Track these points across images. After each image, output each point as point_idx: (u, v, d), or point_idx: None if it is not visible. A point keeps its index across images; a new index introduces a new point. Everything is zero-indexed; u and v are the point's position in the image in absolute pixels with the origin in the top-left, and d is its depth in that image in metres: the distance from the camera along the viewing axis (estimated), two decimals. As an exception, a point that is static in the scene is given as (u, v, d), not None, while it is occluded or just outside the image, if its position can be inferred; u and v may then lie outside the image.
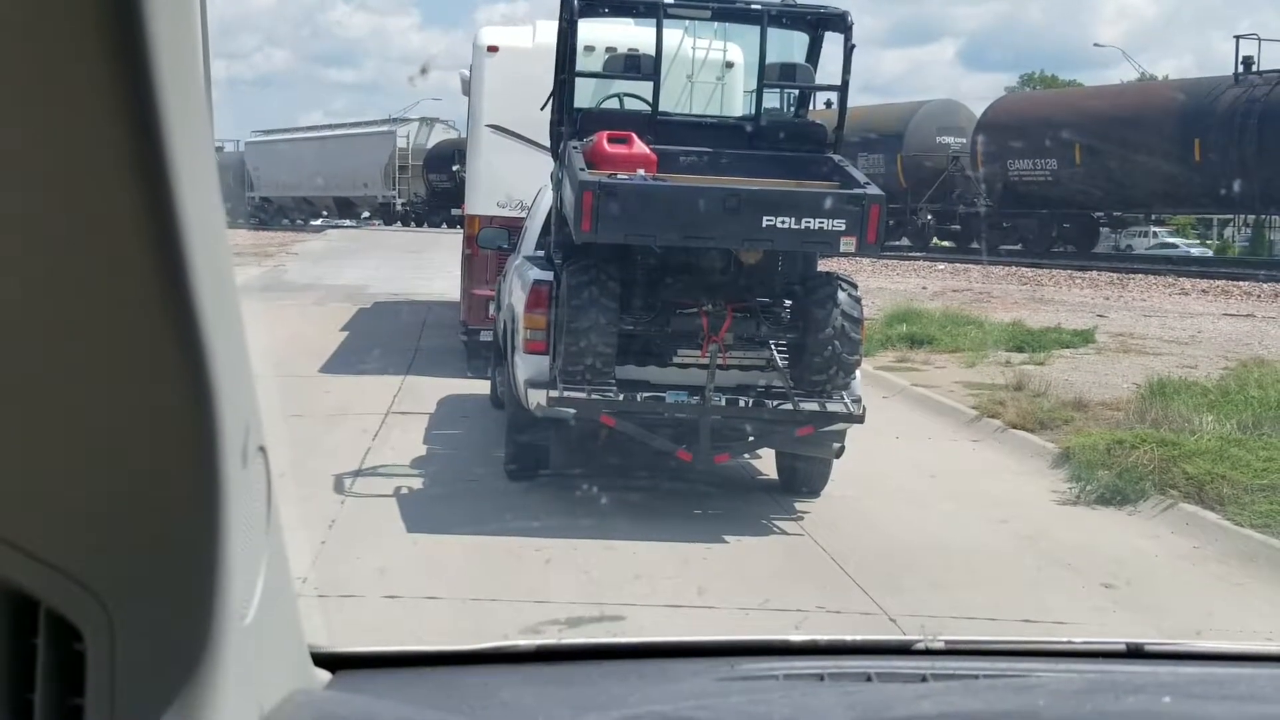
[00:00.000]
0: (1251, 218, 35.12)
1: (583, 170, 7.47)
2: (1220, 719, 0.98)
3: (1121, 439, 9.64)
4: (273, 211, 57.29)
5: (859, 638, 1.77)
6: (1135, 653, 1.63)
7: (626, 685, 1.58)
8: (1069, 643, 1.67)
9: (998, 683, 1.53)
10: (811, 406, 7.74)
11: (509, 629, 5.54)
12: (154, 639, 1.02)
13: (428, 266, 24.77)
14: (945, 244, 37.05)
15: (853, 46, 8.12)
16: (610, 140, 7.80)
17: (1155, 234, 46.55)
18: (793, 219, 7.28)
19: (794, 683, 1.61)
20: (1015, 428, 11.10)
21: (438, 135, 49.57)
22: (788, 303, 8.07)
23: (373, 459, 9.20)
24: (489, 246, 11.65)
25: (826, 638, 1.69)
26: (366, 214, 54.65)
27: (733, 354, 7.97)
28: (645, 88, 8.48)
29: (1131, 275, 24.96)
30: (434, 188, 47.45)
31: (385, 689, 1.55)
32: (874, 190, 7.55)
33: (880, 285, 24.85)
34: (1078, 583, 7.12)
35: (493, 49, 13.30)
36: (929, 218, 35.46)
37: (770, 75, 8.48)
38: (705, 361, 7.73)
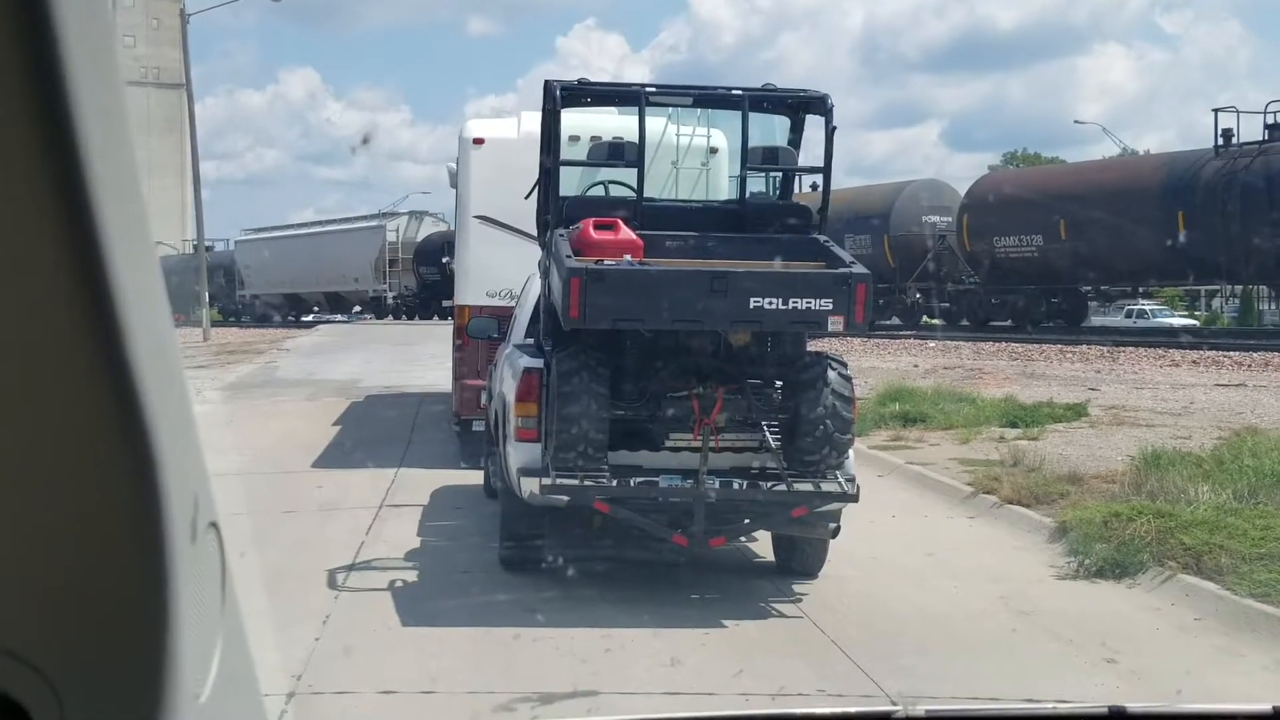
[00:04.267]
0: (1239, 288, 35.26)
1: (569, 257, 7.50)
2: None
3: (1118, 511, 9.60)
4: (264, 309, 57.41)
5: (837, 710, 1.73)
6: (1118, 716, 1.60)
7: None
8: (1053, 707, 1.64)
9: None
10: (805, 487, 7.71)
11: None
12: (104, 718, 1.00)
13: (419, 359, 24.79)
14: (935, 321, 37.18)
15: (834, 128, 8.20)
16: (596, 227, 7.85)
17: (1147, 311, 46.71)
18: (780, 299, 7.30)
19: None
20: (1011, 503, 11.06)
21: (427, 228, 49.86)
22: (779, 384, 8.07)
23: (366, 553, 9.13)
24: (479, 336, 11.67)
25: (803, 710, 1.66)
26: (358, 308, 54.78)
27: (725, 436, 7.95)
28: (630, 174, 8.54)
29: (1121, 349, 25.04)
30: (424, 280, 47.63)
31: None
32: (860, 269, 7.58)
33: (872, 364, 24.89)
34: (1081, 659, 7.05)
35: (479, 141, 13.43)
36: (918, 296, 35.62)
37: (753, 159, 8.55)
38: (698, 445, 7.72)
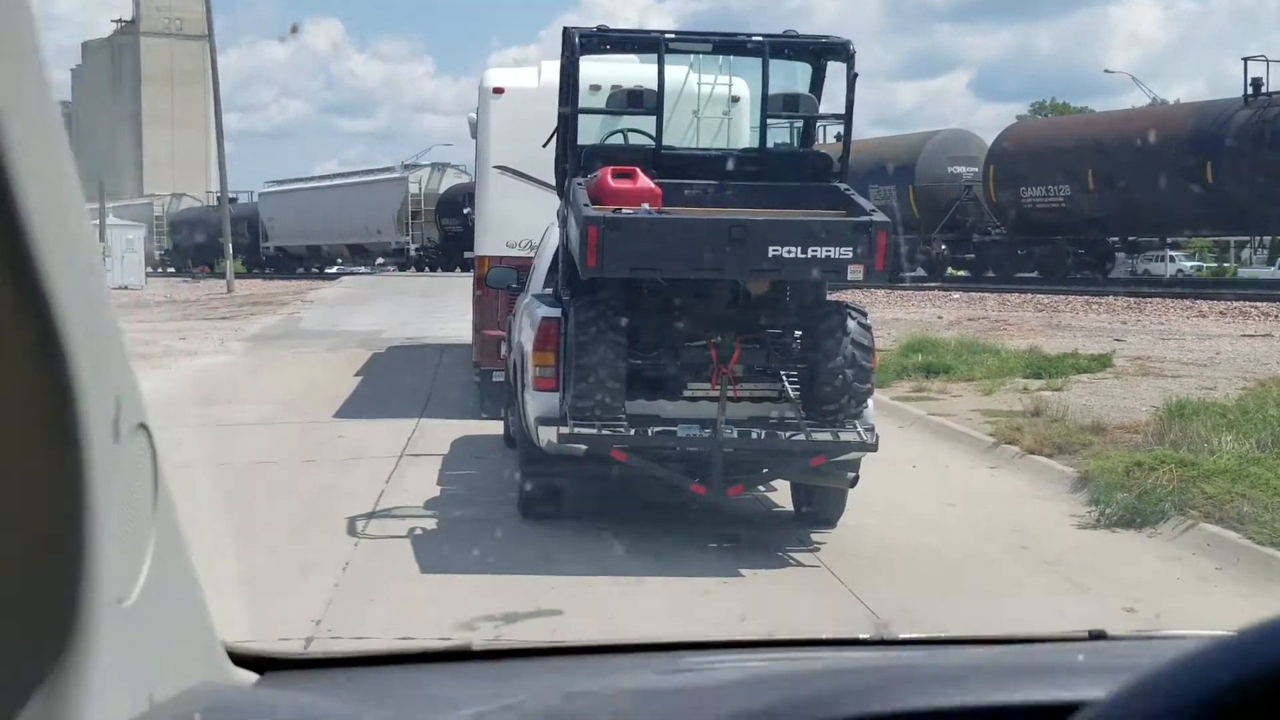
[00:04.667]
0: (1268, 238, 34.96)
1: (586, 205, 7.46)
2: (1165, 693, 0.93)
3: (1140, 461, 9.55)
4: (287, 261, 57.52)
5: (813, 635, 1.72)
6: (1098, 638, 1.58)
7: (561, 680, 1.53)
8: (1035, 632, 1.62)
9: (958, 668, 1.48)
10: (824, 436, 7.69)
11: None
12: (25, 617, 0.99)
13: (441, 310, 24.82)
14: (960, 273, 36.98)
15: (855, 75, 8.12)
16: (614, 175, 7.80)
17: (1172, 258, 46.45)
18: (799, 248, 7.26)
19: (737, 675, 1.55)
20: (1033, 453, 11.01)
21: (449, 180, 49.80)
22: (798, 333, 8.03)
23: (386, 501, 9.16)
24: (498, 286, 11.65)
25: (782, 635, 1.64)
26: (381, 260, 54.87)
27: (743, 386, 7.93)
28: (649, 123, 8.48)
29: (1148, 299, 24.86)
30: (447, 232, 47.62)
31: (312, 687, 1.50)
32: (880, 217, 7.52)
33: (896, 316, 24.81)
34: (1100, 607, 7.02)
35: (498, 91, 13.36)
36: (943, 247, 35.41)
37: (773, 106, 8.47)
38: (716, 394, 7.70)
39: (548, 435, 7.76)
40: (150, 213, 63.40)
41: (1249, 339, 18.99)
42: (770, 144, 8.75)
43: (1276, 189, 26.23)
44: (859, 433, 7.72)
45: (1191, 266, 54.55)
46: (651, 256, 7.38)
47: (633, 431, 7.65)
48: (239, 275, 47.17)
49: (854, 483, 8.27)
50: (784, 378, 7.96)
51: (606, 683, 1.54)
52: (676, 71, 9.13)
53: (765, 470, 8.13)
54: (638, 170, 7.87)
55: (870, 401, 8.02)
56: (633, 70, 10.30)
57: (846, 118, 8.52)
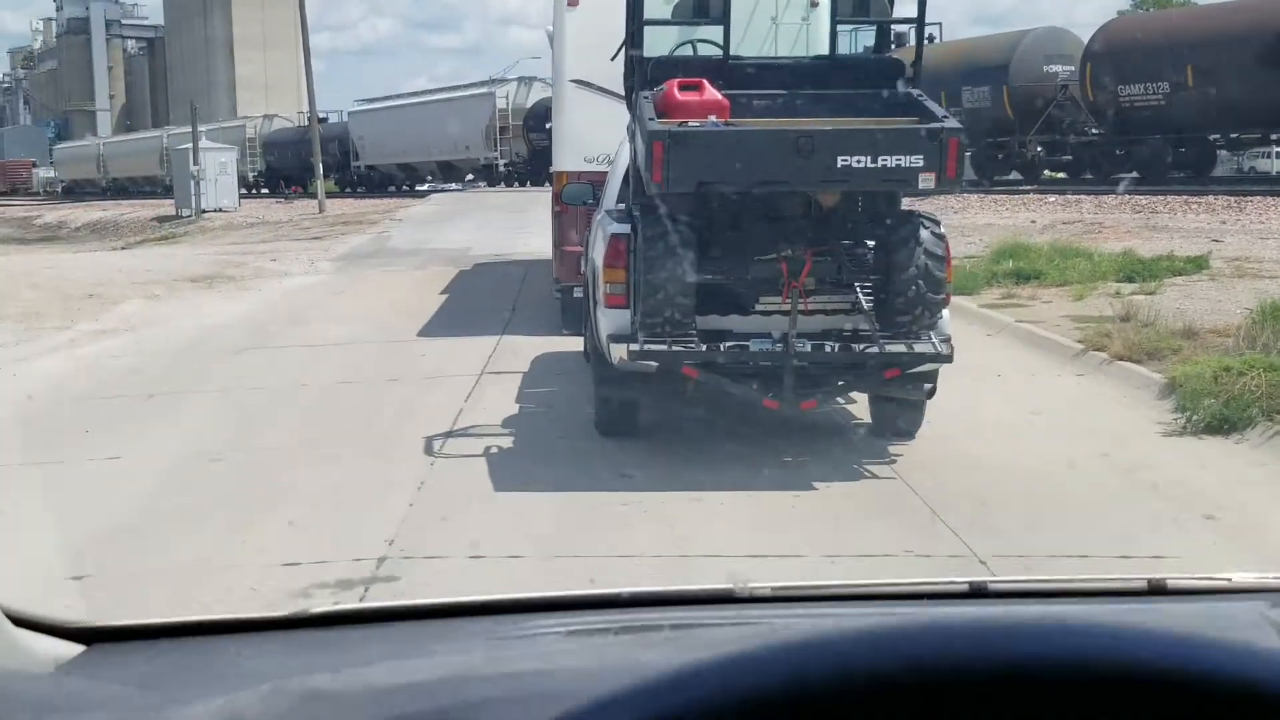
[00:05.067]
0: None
1: (652, 120, 7.37)
2: (1046, 656, 0.88)
3: (1229, 365, 9.32)
4: (378, 179, 57.83)
5: (669, 589, 1.66)
6: (979, 593, 1.53)
7: (392, 647, 1.49)
8: (911, 584, 1.56)
9: (810, 626, 1.43)
10: (898, 348, 7.59)
11: (589, 583, 5.53)
12: None
13: (528, 225, 24.84)
14: (1058, 175, 36.13)
15: (925, -24, 7.89)
16: (681, 88, 7.69)
17: (1279, 154, 44.97)
18: (868, 157, 7.11)
19: (578, 638, 1.50)
20: (1121, 359, 10.80)
21: (537, 94, 49.47)
22: (871, 244, 7.91)
23: (464, 420, 9.23)
24: (574, 202, 11.61)
25: (630, 590, 1.58)
26: (470, 176, 54.89)
27: (816, 298, 7.83)
28: (718, 32, 8.34)
29: (1249, 198, 24.11)
30: (535, 147, 47.41)
31: (126, 662, 1.48)
32: (952, 123, 7.34)
33: (988, 221, 24.36)
34: (1180, 514, 6.90)
35: (573, 3, 13.22)
36: (1038, 149, 34.55)
37: (843, 11, 8.29)
38: (787, 308, 7.62)
39: (619, 352, 7.75)
40: (243, 135, 63.93)
41: (1354, 237, 18.39)
42: (845, 50, 8.56)
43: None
44: (934, 344, 7.60)
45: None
46: (718, 170, 7.28)
47: (704, 347, 7.61)
48: (331, 195, 47.55)
49: (931, 394, 8.17)
50: (858, 289, 7.85)
51: (451, 647, 1.50)
52: None
53: (840, 383, 8.04)
54: (705, 82, 7.75)
55: (946, 312, 7.89)
56: None
57: (919, 20, 8.30)
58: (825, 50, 9.08)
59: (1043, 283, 15.71)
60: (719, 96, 7.71)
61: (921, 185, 7.23)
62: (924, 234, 7.55)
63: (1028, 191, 30.41)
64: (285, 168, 61.66)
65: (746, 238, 7.78)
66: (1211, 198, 24.60)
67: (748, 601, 1.54)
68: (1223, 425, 8.55)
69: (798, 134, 7.21)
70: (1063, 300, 14.51)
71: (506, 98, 50.41)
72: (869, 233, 7.84)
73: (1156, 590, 1.61)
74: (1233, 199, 24.19)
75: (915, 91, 7.98)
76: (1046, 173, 36.17)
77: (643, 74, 8.16)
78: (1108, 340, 11.31)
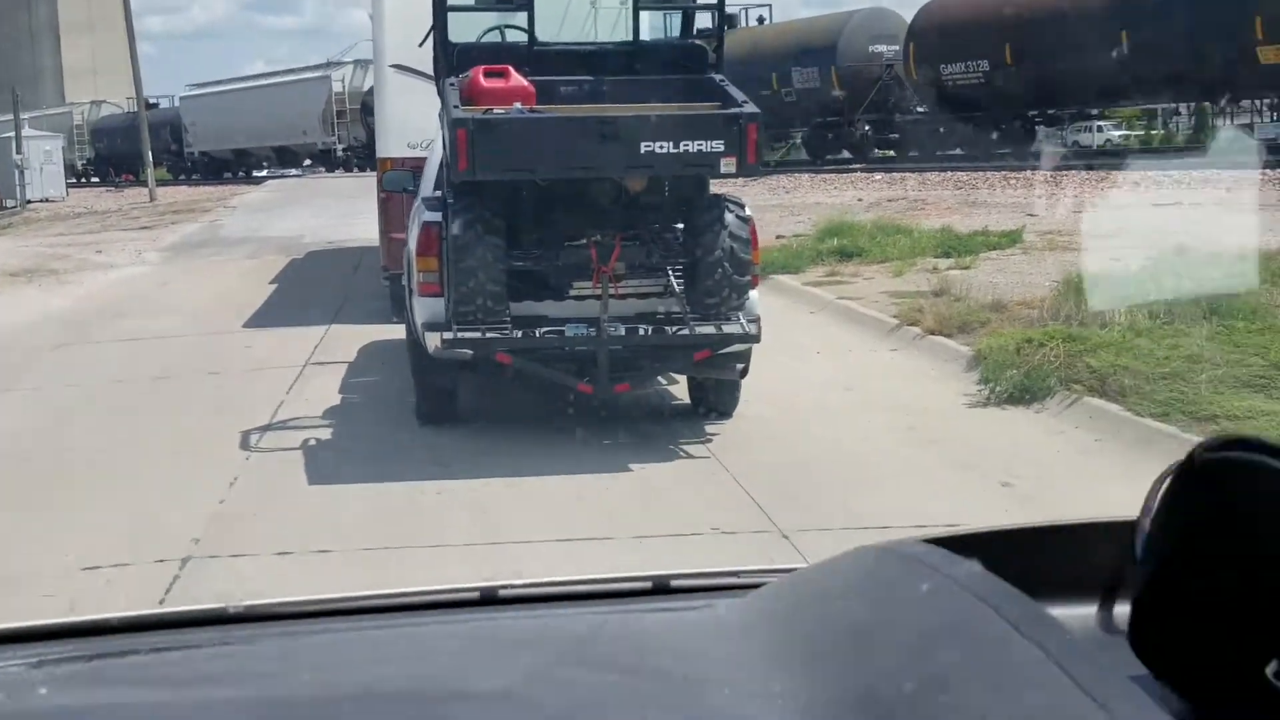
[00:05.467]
0: (1194, 105, 35.14)
1: (456, 108, 7.39)
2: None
3: (1031, 337, 9.69)
4: (213, 166, 56.59)
5: (150, 612, 1.64)
6: (489, 599, 1.57)
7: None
8: (427, 595, 1.61)
9: (288, 644, 1.44)
10: (707, 329, 7.74)
11: (401, 577, 5.57)
12: None
13: (363, 212, 24.33)
14: (887, 153, 36.94)
15: (725, -37, 8.03)
16: (486, 74, 7.72)
17: (1100, 128, 46.52)
18: (671, 143, 7.24)
19: (38, 671, 1.36)
20: (933, 334, 11.14)
21: (374, 77, 48.88)
22: (679, 228, 8.04)
23: (284, 412, 9.16)
24: (395, 189, 11.54)
25: (88, 618, 1.52)
26: (308, 162, 54.05)
27: (629, 283, 7.94)
28: (525, 19, 8.37)
29: (1066, 172, 24.98)
30: (373, 131, 46.84)
31: None
32: (750, 109, 7.50)
33: (816, 200, 24.83)
34: (979, 483, 7.18)
35: None
36: (866, 128, 35.32)
37: (645, -3, 8.40)
38: (600, 293, 7.71)
39: (434, 340, 7.77)
40: (70, 121, 62.06)
41: (1159, 208, 19.16)
42: (648, 36, 8.67)
43: (1190, 57, 26.30)
44: (742, 325, 7.77)
45: (1120, 135, 54.66)
46: (524, 157, 7.34)
47: (518, 333, 7.67)
48: (163, 182, 46.38)
49: (744, 374, 8.35)
50: (670, 273, 7.98)
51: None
52: None
53: (652, 366, 8.17)
54: (510, 69, 7.79)
55: (754, 293, 8.07)
56: None
57: (719, 4, 8.44)
58: (631, 36, 9.20)
59: (865, 260, 16.08)
60: (524, 83, 7.75)
61: (723, 169, 7.38)
62: (729, 217, 7.70)
63: (857, 170, 31.05)
64: (115, 155, 59.94)
65: (557, 223, 7.86)
66: (1030, 173, 25.41)
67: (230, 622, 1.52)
68: (1024, 395, 8.89)
69: (600, 120, 7.30)
70: (883, 277, 14.88)
71: (343, 81, 49.72)
72: (676, 217, 7.97)
73: (660, 589, 1.66)
74: (1050, 174, 25.02)
75: (718, 77, 8.12)
76: (877, 151, 36.96)
77: (449, 61, 8.17)
78: (921, 315, 11.65)
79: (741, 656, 1.21)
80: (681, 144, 7.23)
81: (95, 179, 60.96)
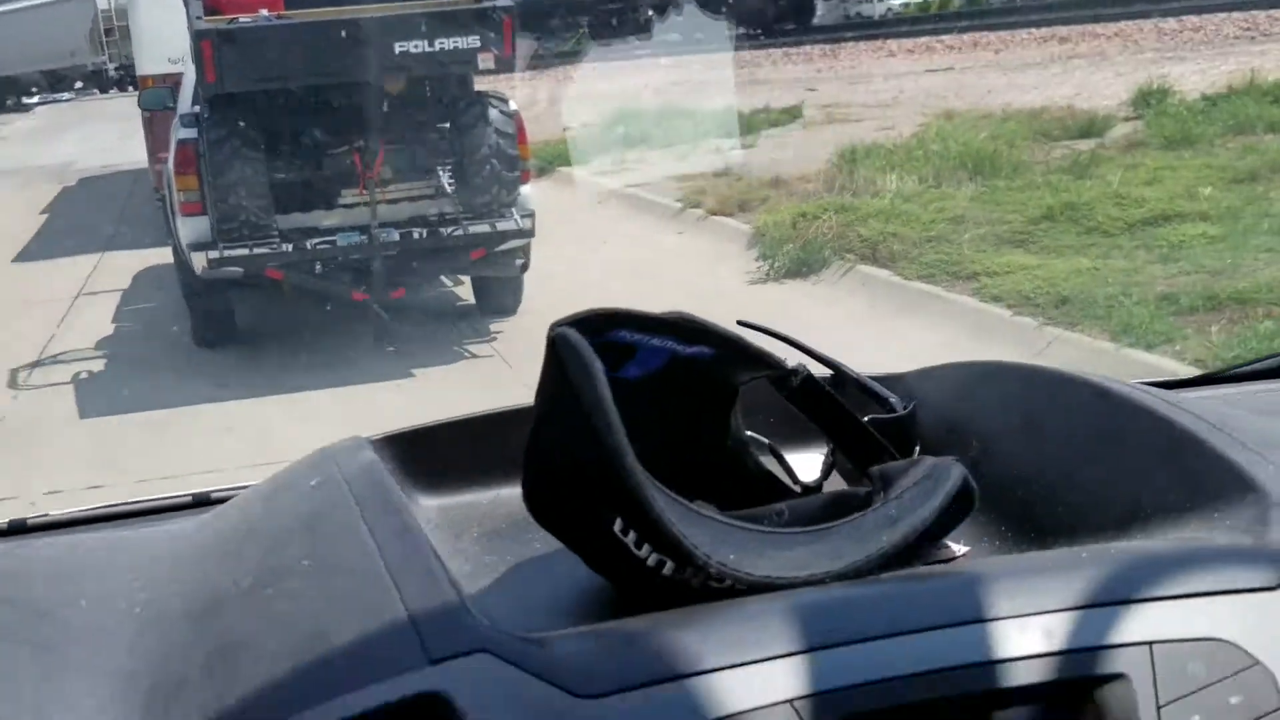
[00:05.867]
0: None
1: (199, 19, 7.14)
2: None
3: (805, 211, 9.89)
4: (-25, 95, 53.63)
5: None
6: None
7: None
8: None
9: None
10: (481, 228, 7.71)
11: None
12: None
13: (137, 134, 23.63)
14: (674, 36, 36.85)
15: None
16: (230, -18, 7.48)
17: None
18: (425, 42, 7.12)
19: None
20: (716, 214, 11.28)
21: (135, -10, 46.73)
22: (445, 128, 7.95)
23: (55, 346, 8.85)
24: (154, 107, 11.13)
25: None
26: (80, 84, 51.65)
27: (398, 187, 7.85)
28: None
29: (842, 44, 25.33)
30: (143, 48, 44.91)
31: None
32: (504, 2, 7.41)
33: (603, 89, 24.70)
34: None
35: None
36: (650, 13, 35.16)
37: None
38: (367, 199, 7.60)
39: (200, 261, 7.58)
40: None
41: (932, 74, 19.61)
42: None
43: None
44: (516, 220, 7.76)
45: (900, 3, 55.46)
46: (273, 67, 7.15)
47: (288, 247, 7.53)
48: (-78, 117, 43.79)
49: (524, 269, 8.34)
50: (440, 174, 7.90)
51: None
52: None
53: (428, 268, 8.11)
54: (254, -27, 7.55)
55: (526, 188, 8.04)
56: None
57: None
58: None
59: (650, 146, 16.12)
60: (271, -11, 7.53)
61: (481, 65, 7.30)
62: (494, 114, 7.64)
63: (642, 57, 30.95)
64: None
65: (318, 131, 7.70)
66: (809, 47, 25.71)
67: None
68: (801, 269, 9.09)
69: (348, 23, 7.14)
70: (667, 161, 14.95)
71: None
72: (440, 117, 7.88)
73: (201, 502, 1.71)
74: (828, 47, 25.36)
75: (470, -28, 7.99)
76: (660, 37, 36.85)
77: (193, -33, 7.87)
78: (703, 196, 11.78)
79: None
80: (436, 42, 7.12)
81: None
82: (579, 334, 1.17)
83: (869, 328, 7.79)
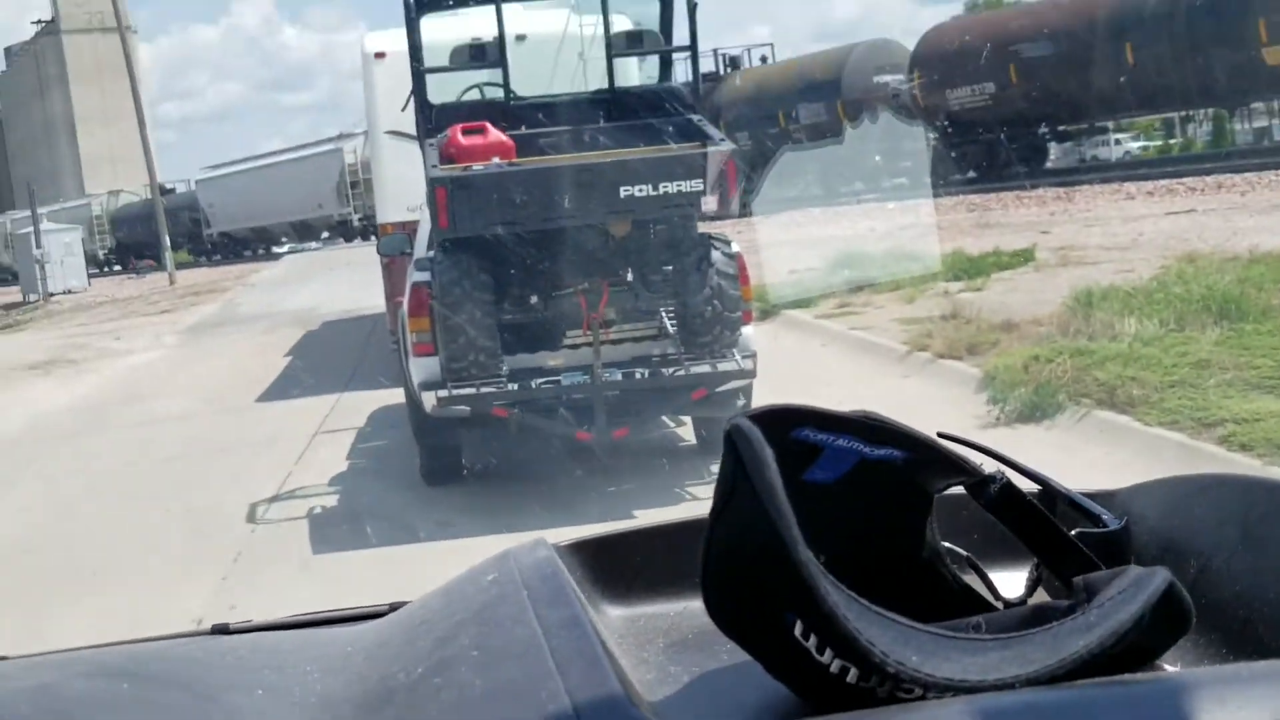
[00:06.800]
0: (1212, 111, 35.01)
1: (434, 167, 7.40)
2: None
3: (1038, 354, 9.59)
4: (232, 245, 57.10)
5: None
6: (220, 631, 1.57)
7: None
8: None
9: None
10: (702, 368, 7.69)
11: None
12: None
13: (377, 280, 24.66)
14: (899, 182, 36.89)
15: (695, 4, 8.04)
16: (464, 132, 7.73)
17: (1118, 141, 46.46)
18: (649, 185, 7.21)
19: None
20: (943, 357, 11.05)
21: (369, 145, 49.17)
22: (668, 270, 8.00)
23: (292, 482, 9.13)
24: (391, 253, 11.58)
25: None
26: (326, 234, 54.48)
27: (621, 328, 7.92)
28: (500, 75, 8.39)
29: (1078, 188, 24.88)
30: (386, 199, 47.09)
31: None
32: (725, 145, 7.47)
33: (830, 234, 24.76)
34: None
35: (380, 55, 13.19)
36: (877, 158, 35.28)
37: (617, 45, 8.40)
38: (591, 339, 7.68)
39: (430, 399, 7.74)
40: (89, 213, 62.66)
41: (1173, 216, 19.04)
42: (621, 83, 8.67)
43: (1192, 63, 26.21)
44: (737, 361, 7.72)
45: (1138, 147, 54.50)
46: (503, 211, 7.33)
47: (514, 386, 7.64)
48: (184, 265, 46.80)
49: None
50: (663, 315, 7.94)
51: None
52: (545, 17, 9.05)
53: (650, 409, 8.11)
54: (487, 125, 7.79)
55: (748, 329, 8.01)
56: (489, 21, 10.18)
57: (692, 47, 8.44)
58: (632, 81, 9.20)
59: (877, 289, 16.00)
60: (503, 138, 7.75)
61: (705, 208, 7.35)
62: (716, 255, 7.67)
63: (869, 200, 31.00)
64: (136, 242, 60.50)
65: (545, 274, 7.84)
66: (1042, 190, 25.33)
67: None
68: (1034, 413, 8.78)
69: (577, 168, 7.29)
70: (895, 304, 14.80)
71: (355, 152, 50.02)
72: (663, 259, 7.94)
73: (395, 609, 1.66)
74: (1062, 190, 24.93)
75: (695, 117, 8.11)
76: (888, 181, 36.92)
77: (429, 121, 8.19)
78: (930, 340, 11.56)
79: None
80: (660, 185, 7.21)
81: (117, 267, 61.57)
82: (757, 428, 1.12)
83: (1108, 477, 7.41)
